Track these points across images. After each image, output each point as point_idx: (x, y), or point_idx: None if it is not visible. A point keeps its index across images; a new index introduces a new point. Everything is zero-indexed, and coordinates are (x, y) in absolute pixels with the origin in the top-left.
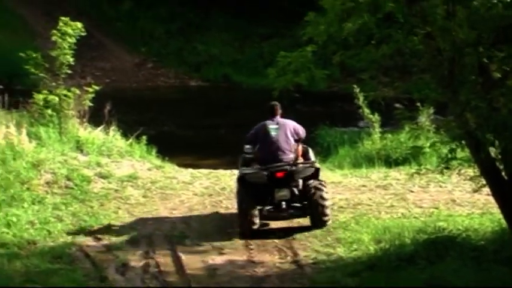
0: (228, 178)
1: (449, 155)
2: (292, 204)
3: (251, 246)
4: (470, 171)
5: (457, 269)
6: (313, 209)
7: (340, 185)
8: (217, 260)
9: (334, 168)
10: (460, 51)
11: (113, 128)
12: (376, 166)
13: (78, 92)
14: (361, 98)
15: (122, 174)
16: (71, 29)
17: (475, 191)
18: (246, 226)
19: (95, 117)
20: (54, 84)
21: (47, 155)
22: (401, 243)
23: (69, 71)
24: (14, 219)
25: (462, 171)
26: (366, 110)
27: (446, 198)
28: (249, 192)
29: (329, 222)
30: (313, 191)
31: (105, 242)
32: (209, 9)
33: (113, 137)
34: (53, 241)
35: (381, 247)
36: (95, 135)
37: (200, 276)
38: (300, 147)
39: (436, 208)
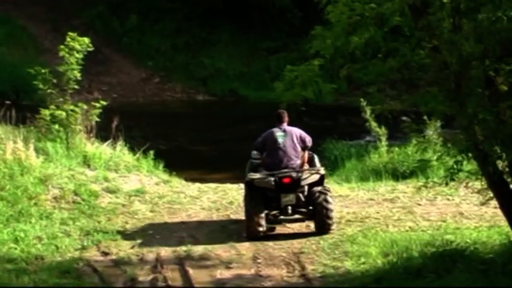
0: (236, 192)
1: (455, 167)
2: (298, 209)
3: (259, 260)
4: (478, 184)
5: (465, 282)
6: (318, 214)
7: (348, 199)
8: (225, 274)
9: (342, 182)
10: (467, 65)
11: (120, 143)
12: (384, 179)
13: (85, 107)
14: (368, 111)
15: (129, 189)
16: (79, 44)
17: (482, 203)
18: (253, 229)
19: (102, 132)
20: (61, 99)
21: (54, 170)
22: (409, 257)
23: (76, 86)
24: (22, 234)
25: (469, 184)
26: (373, 123)
27: (453, 211)
28: (257, 196)
29: (333, 227)
30: (318, 196)
31: (112, 256)
32: (215, 23)
33: (120, 152)
34: (61, 256)
35: (388, 260)
36: (102, 150)
37: None
38: (306, 154)
39: (444, 221)
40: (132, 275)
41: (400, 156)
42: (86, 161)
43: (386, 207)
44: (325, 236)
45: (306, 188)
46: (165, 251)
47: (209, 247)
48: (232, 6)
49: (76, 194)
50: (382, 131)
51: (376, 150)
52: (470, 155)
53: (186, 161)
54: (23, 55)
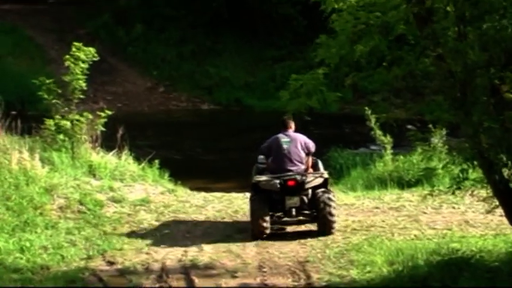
0: (241, 201)
1: (461, 175)
2: (302, 212)
3: (264, 269)
4: (483, 192)
5: None
6: (321, 216)
7: (353, 207)
8: (231, 283)
9: (347, 190)
10: (472, 73)
11: (125, 152)
12: (389, 188)
13: (90, 116)
14: (373, 120)
15: (134, 199)
16: (84, 54)
17: (488, 212)
18: (258, 230)
19: (108, 142)
20: (66, 109)
21: (59, 180)
22: (414, 265)
23: (81, 96)
24: (28, 244)
25: (475, 192)
26: (378, 132)
27: (459, 219)
28: (262, 198)
29: (335, 227)
30: (321, 199)
31: (118, 266)
32: (220, 32)
33: (125, 161)
34: (66, 266)
35: (394, 269)
36: (108, 159)
37: None
38: (310, 160)
39: (449, 229)
40: (137, 284)
41: (406, 165)
42: (91, 171)
43: (391, 216)
44: (330, 245)
45: (310, 191)
46: (171, 260)
47: (214, 256)
48: (237, 15)
49: (81, 204)
50: (387, 140)
51: (381, 159)
52: (475, 163)
53: (191, 170)
54: (29, 65)
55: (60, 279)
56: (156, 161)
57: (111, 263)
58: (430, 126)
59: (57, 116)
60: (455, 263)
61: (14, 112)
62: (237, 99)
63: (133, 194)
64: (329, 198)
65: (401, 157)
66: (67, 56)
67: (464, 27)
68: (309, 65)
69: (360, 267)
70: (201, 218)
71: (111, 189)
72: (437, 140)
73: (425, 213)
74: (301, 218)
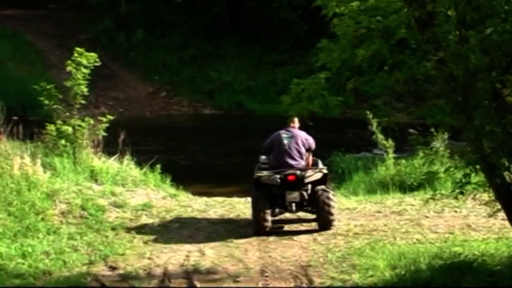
0: (243, 206)
1: (464, 180)
2: (301, 206)
3: (266, 274)
4: (486, 196)
5: None
6: (320, 211)
7: (355, 211)
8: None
9: (349, 195)
10: (473, 77)
11: (127, 157)
12: (391, 192)
13: (92, 121)
14: (375, 124)
15: (136, 204)
16: (86, 59)
17: (490, 215)
18: (260, 225)
19: (109, 147)
20: (68, 114)
21: (61, 185)
22: (417, 269)
23: (83, 101)
24: (29, 249)
25: (477, 196)
26: (380, 136)
27: (461, 223)
28: (263, 193)
29: (334, 223)
30: (320, 194)
31: (120, 271)
32: (222, 37)
33: (127, 166)
34: (68, 271)
35: (396, 273)
36: (109, 164)
37: None
38: (310, 157)
39: (452, 233)
40: None
41: (408, 169)
42: (93, 176)
43: (393, 220)
44: (332, 249)
45: (310, 186)
46: (173, 265)
47: (216, 261)
48: (238, 20)
49: (83, 209)
50: (389, 144)
51: (383, 163)
52: (477, 167)
53: (193, 175)
54: (30, 70)
55: (62, 284)
56: (158, 166)
57: (113, 268)
58: (432, 130)
59: (59, 121)
60: (458, 267)
61: (15, 117)
62: (239, 104)
63: (135, 199)
64: (328, 196)
65: (403, 161)
66: (69, 62)
67: (465, 31)
68: (310, 70)
69: (362, 272)
70: (203, 222)
71: (113, 194)
72: (439, 144)
73: (427, 217)
74: (300, 213)
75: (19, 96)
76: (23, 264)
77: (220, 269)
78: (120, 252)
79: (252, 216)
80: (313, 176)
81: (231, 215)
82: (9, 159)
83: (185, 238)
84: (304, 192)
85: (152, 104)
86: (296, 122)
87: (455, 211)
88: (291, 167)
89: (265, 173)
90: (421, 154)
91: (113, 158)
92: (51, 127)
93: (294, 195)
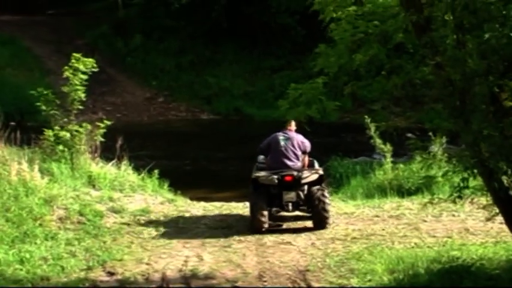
0: (241, 210)
1: (462, 184)
2: (298, 206)
3: (264, 279)
4: (483, 200)
5: None
6: (315, 208)
7: (353, 216)
8: None
9: (347, 199)
10: (471, 81)
11: (124, 163)
12: (389, 196)
13: (89, 127)
14: (373, 129)
15: (134, 209)
16: (83, 65)
17: (488, 219)
18: (257, 224)
19: (107, 152)
20: (65, 120)
21: (59, 191)
22: (415, 274)
23: (80, 107)
24: (27, 255)
25: (475, 200)
26: (378, 140)
27: (459, 227)
28: (261, 194)
29: (329, 222)
30: (316, 195)
31: (118, 277)
32: (219, 42)
33: (124, 172)
34: (66, 277)
35: (394, 277)
36: (107, 170)
37: None
38: (306, 158)
39: (450, 237)
40: None
41: (405, 173)
42: (91, 181)
43: (391, 224)
44: (330, 254)
45: (306, 187)
46: (171, 271)
47: (215, 266)
48: (236, 25)
49: (81, 215)
50: (387, 148)
51: (381, 167)
52: (475, 171)
53: (191, 180)
54: (28, 76)
55: None
56: (156, 171)
57: (111, 274)
58: (430, 134)
59: (56, 127)
60: (456, 271)
61: (13, 123)
62: (237, 109)
63: (133, 204)
64: (323, 195)
65: (401, 165)
66: (66, 67)
67: (462, 35)
68: (308, 75)
69: (361, 276)
70: (201, 227)
71: (111, 199)
72: (437, 148)
73: (425, 221)
74: (297, 213)
75: (17, 102)
76: (21, 270)
77: (218, 274)
78: (118, 257)
79: (250, 216)
80: (309, 177)
81: (229, 220)
82: (6, 165)
83: (183, 243)
84: (301, 193)
85: (150, 109)
86: (293, 125)
87: (453, 215)
88: (288, 167)
89: (263, 173)
90: (418, 158)
91: (110, 164)
92: (49, 132)
93: (291, 195)
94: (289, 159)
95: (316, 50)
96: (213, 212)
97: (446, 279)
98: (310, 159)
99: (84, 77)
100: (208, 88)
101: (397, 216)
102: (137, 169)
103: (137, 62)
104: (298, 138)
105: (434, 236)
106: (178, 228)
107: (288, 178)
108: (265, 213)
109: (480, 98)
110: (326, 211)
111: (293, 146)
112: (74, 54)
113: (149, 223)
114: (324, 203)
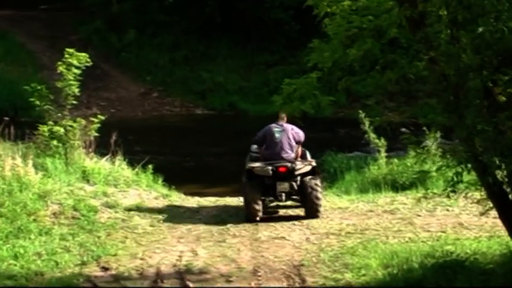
0: (235, 206)
1: (456, 179)
2: (291, 196)
3: (259, 274)
4: (477, 195)
5: None
6: (308, 201)
7: (347, 211)
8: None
9: (341, 194)
10: (465, 76)
11: (119, 158)
12: (383, 191)
13: (83, 122)
14: (367, 123)
15: (128, 204)
16: (77, 60)
17: (482, 214)
18: (252, 213)
19: (101, 148)
20: (59, 115)
21: (53, 186)
22: (409, 268)
23: (75, 102)
24: (21, 250)
25: (469, 195)
26: (372, 135)
27: (453, 221)
28: (255, 184)
29: (321, 211)
30: (309, 185)
31: (113, 272)
32: (214, 37)
33: (119, 167)
34: (61, 272)
35: (389, 272)
36: (101, 165)
37: None
38: (300, 149)
39: (444, 232)
40: None
41: (400, 168)
42: (85, 177)
43: (386, 219)
44: (325, 248)
45: (299, 178)
46: (165, 266)
47: (209, 261)
48: (230, 20)
49: (75, 210)
50: (381, 143)
51: (375, 162)
52: (469, 165)
53: (185, 175)
54: (22, 72)
55: (54, 285)
56: (150, 166)
57: (105, 269)
58: (424, 129)
59: (50, 122)
60: (450, 266)
61: (6, 118)
62: (231, 104)
63: (128, 199)
64: (316, 184)
65: (396, 160)
66: (59, 62)
67: (457, 30)
68: (302, 70)
69: (355, 271)
70: (196, 222)
71: (105, 194)
72: (431, 143)
73: (419, 216)
74: (290, 202)
75: (10, 97)
76: (15, 265)
77: (212, 269)
78: (112, 252)
79: (244, 206)
80: (303, 168)
81: (223, 215)
82: (0, 160)
83: (177, 238)
84: (294, 183)
85: (144, 104)
86: (284, 116)
87: (447, 210)
88: (282, 158)
89: (258, 164)
90: (413, 153)
91: (104, 159)
92: (43, 128)
93: (285, 186)
94: (285, 151)
95: (310, 45)
96: (207, 207)
97: (440, 273)
98: (303, 149)
99: (78, 72)
100: (202, 83)
101: (391, 211)
102: (131, 164)
103: (131, 57)
104: (292, 129)
105: (428, 231)
106: (172, 223)
107: (282, 169)
108: (260, 202)
109: (474, 93)
110: (318, 197)
111: (288, 137)
112: (67, 49)
113: (143, 218)
114: (316, 190)
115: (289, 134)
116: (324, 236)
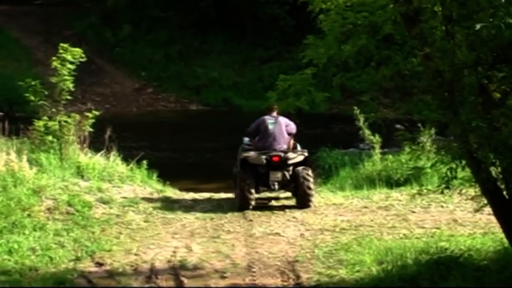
0: (230, 201)
1: (450, 175)
2: (283, 185)
3: (253, 270)
4: (472, 191)
5: None
6: (300, 190)
7: (342, 207)
8: (220, 283)
9: (336, 190)
10: (460, 72)
11: (113, 153)
12: (378, 187)
13: (78, 117)
14: (362, 120)
15: (123, 199)
16: (71, 55)
17: (476, 210)
18: (245, 202)
19: (96, 143)
20: (54, 110)
21: (47, 181)
22: (403, 264)
23: (69, 97)
24: (16, 246)
25: (463, 191)
26: (367, 132)
27: (448, 218)
28: (249, 173)
29: (313, 200)
30: (301, 175)
31: (107, 267)
32: (208, 33)
33: (113, 162)
34: (55, 267)
35: (383, 268)
36: (96, 160)
37: None
38: (292, 141)
39: (438, 228)
40: (126, 286)
41: (394, 164)
42: (80, 172)
43: (380, 215)
44: (319, 245)
45: (291, 168)
46: (160, 261)
47: (203, 257)
48: (224, 16)
49: (70, 205)
50: (376, 139)
51: (370, 158)
52: (464, 162)
53: (180, 171)
54: (16, 67)
55: (48, 280)
56: (145, 162)
57: (99, 265)
58: (419, 125)
59: (45, 118)
60: (444, 262)
61: (1, 113)
62: (225, 100)
63: (122, 195)
64: (308, 174)
65: (390, 156)
66: (54, 58)
67: (451, 26)
68: (297, 66)
69: (349, 267)
70: (190, 218)
71: (100, 190)
72: (426, 139)
73: (414, 212)
74: (282, 191)
75: (5, 92)
76: (9, 260)
77: (207, 264)
78: (106, 248)
79: (237, 193)
80: (295, 158)
81: (218, 211)
82: None
83: (172, 234)
84: (287, 173)
85: (139, 100)
86: (275, 109)
87: (442, 206)
88: (275, 150)
89: (252, 153)
90: (407, 149)
91: (99, 154)
92: (38, 123)
93: (278, 175)
94: (278, 142)
95: (305, 41)
96: (202, 203)
97: (435, 270)
98: (294, 142)
99: (73, 67)
100: (197, 79)
101: (385, 207)
102: (126, 160)
103: (126, 52)
104: (284, 121)
105: (422, 227)
106: (167, 219)
107: (275, 158)
108: (253, 191)
109: (469, 89)
110: (310, 187)
111: (281, 129)
112: (62, 44)
113: (138, 214)
114: (308, 179)
115: (283, 126)
116: (318, 232)
